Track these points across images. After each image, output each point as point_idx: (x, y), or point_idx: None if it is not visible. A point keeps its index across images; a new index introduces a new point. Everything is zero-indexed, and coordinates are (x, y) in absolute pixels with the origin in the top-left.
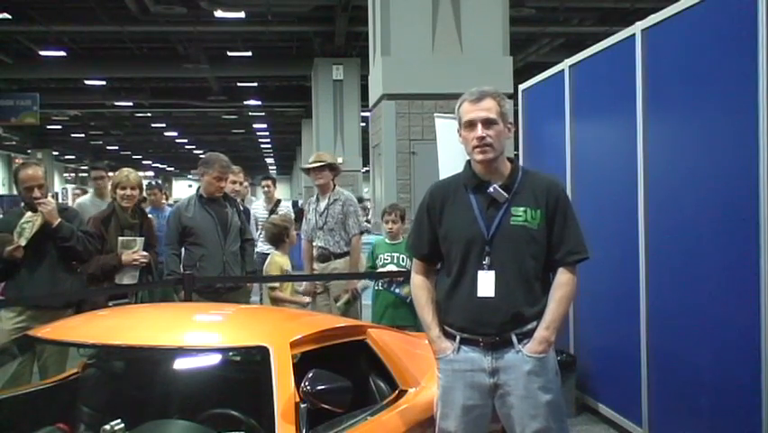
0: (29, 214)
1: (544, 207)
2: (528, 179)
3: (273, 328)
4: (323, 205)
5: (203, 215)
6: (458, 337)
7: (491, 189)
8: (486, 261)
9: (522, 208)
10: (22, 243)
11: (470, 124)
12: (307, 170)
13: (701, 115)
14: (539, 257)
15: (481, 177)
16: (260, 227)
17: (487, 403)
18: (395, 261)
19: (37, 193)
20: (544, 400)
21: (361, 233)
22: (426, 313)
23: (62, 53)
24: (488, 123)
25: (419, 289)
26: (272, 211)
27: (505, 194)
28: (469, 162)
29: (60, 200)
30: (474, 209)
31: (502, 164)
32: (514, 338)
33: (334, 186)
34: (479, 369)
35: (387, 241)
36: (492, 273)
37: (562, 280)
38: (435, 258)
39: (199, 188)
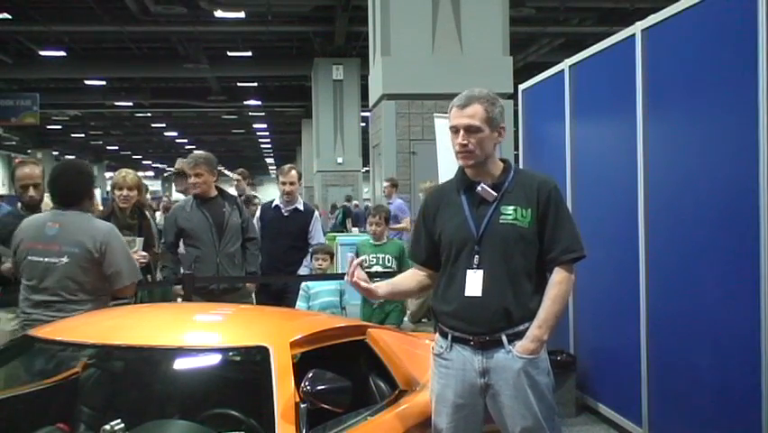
0: None
1: (534, 205)
2: (520, 178)
3: (273, 328)
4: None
5: (198, 216)
6: (450, 335)
7: (479, 189)
8: (475, 260)
9: (512, 207)
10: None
11: (454, 130)
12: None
13: (701, 115)
14: (530, 256)
15: (471, 178)
16: None
17: (478, 402)
18: (380, 262)
19: (32, 192)
20: (534, 399)
21: None
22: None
23: (62, 53)
24: (470, 130)
25: (411, 270)
26: None
27: (493, 193)
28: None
29: None
30: (465, 210)
31: (492, 165)
32: (504, 339)
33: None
34: (470, 369)
35: (371, 242)
36: (480, 273)
37: (557, 279)
38: (434, 264)
39: None
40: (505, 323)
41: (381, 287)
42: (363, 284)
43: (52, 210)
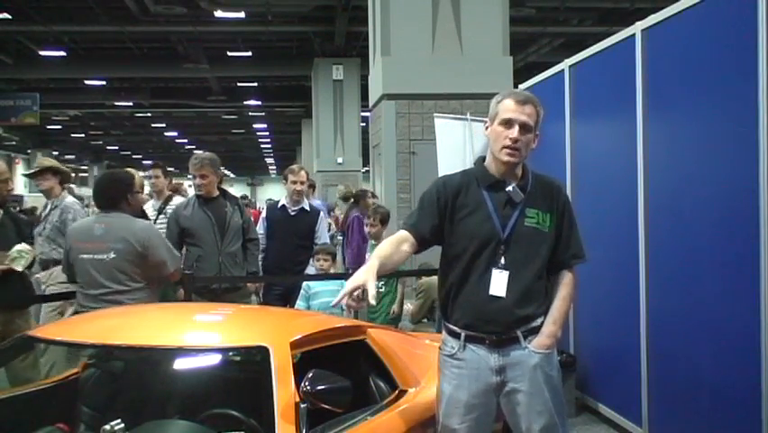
0: (25, 247)
1: (554, 211)
2: (538, 181)
3: (273, 328)
4: (44, 212)
5: (200, 215)
6: (463, 335)
7: (510, 188)
8: (501, 260)
9: (535, 210)
10: (19, 269)
11: (509, 123)
12: (32, 177)
13: (701, 115)
14: (546, 259)
15: (497, 176)
16: None
17: (491, 401)
18: None
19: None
20: (550, 395)
21: None
22: (382, 250)
23: (62, 53)
24: (525, 128)
25: (395, 240)
26: (161, 210)
27: (521, 194)
28: (482, 159)
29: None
30: (488, 207)
31: (518, 166)
32: (520, 336)
33: (62, 192)
34: (485, 367)
35: (372, 242)
36: (506, 273)
37: (567, 280)
38: (425, 245)
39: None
40: (522, 322)
41: (373, 279)
42: (357, 305)
43: (97, 214)
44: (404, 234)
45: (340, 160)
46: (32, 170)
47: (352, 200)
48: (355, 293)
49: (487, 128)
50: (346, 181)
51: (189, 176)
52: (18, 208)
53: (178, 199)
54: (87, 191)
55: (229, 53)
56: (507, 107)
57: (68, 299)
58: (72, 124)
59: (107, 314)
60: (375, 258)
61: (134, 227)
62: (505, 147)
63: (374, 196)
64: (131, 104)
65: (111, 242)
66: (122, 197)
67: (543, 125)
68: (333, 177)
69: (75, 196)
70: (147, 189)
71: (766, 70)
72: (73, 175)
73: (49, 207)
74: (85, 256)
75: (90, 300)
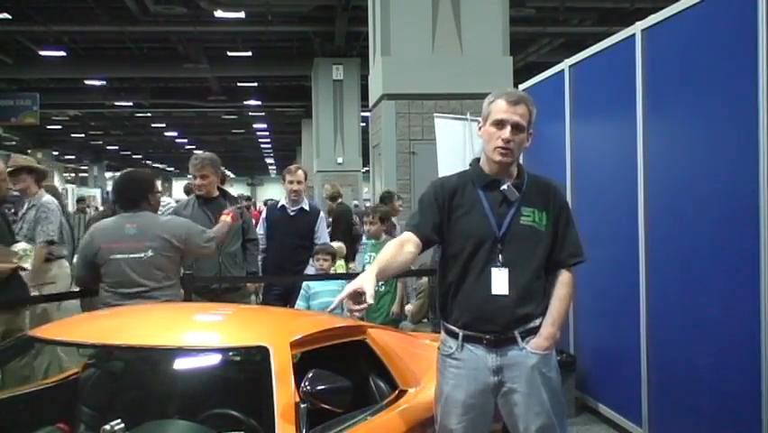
0: (26, 246)
1: (550, 210)
2: (533, 181)
3: (273, 328)
4: (22, 210)
5: (200, 216)
6: (461, 335)
7: (505, 187)
8: (499, 258)
9: (530, 209)
10: (28, 267)
11: (501, 124)
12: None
13: (701, 115)
14: (543, 257)
15: (492, 176)
16: None
17: (489, 401)
18: (372, 261)
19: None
20: (547, 396)
21: (51, 242)
22: (384, 253)
23: (62, 53)
24: (517, 128)
25: (398, 242)
26: None
27: (516, 193)
28: (477, 160)
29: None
30: (484, 206)
31: (514, 166)
32: (518, 336)
33: (39, 190)
34: (483, 367)
35: (371, 241)
36: (506, 271)
37: (565, 280)
38: (430, 243)
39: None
40: (521, 322)
41: (371, 281)
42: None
43: (121, 215)
44: (407, 235)
45: (340, 160)
46: (8, 169)
47: (381, 201)
48: (358, 300)
49: (480, 128)
50: (346, 182)
51: (190, 176)
52: (13, 210)
53: (165, 200)
54: (87, 191)
55: (229, 53)
56: (499, 108)
57: (66, 299)
58: (72, 124)
59: (107, 314)
60: (375, 263)
61: (168, 224)
62: (496, 148)
63: (400, 198)
64: (131, 104)
65: (147, 240)
66: (143, 196)
67: (543, 125)
68: (333, 177)
69: (56, 195)
70: None
71: (766, 70)
72: (73, 175)
73: (26, 206)
74: (119, 256)
75: (121, 299)
